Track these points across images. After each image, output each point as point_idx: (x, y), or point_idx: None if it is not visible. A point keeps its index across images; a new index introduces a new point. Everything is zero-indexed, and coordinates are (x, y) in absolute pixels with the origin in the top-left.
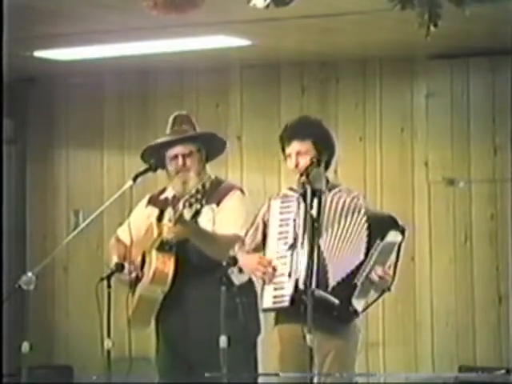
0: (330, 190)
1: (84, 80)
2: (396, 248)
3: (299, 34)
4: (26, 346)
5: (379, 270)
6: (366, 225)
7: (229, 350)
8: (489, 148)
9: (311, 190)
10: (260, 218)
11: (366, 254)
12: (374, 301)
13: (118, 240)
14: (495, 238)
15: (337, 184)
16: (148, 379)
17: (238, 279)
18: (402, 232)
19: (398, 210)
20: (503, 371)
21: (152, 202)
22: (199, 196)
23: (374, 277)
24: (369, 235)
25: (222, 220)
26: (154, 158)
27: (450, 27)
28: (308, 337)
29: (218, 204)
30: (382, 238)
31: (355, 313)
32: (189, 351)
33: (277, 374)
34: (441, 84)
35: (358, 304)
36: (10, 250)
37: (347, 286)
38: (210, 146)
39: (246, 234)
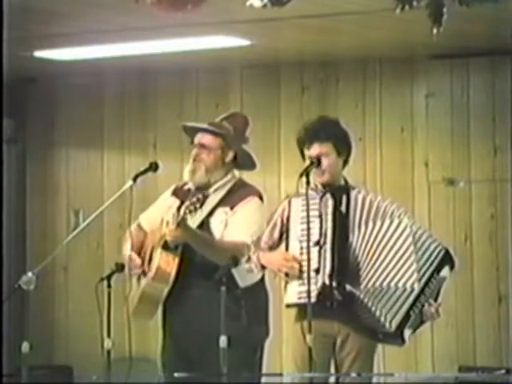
0: (352, 189)
1: (84, 80)
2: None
3: (299, 34)
4: (26, 346)
5: (434, 306)
6: (410, 239)
7: (230, 353)
8: (489, 148)
9: (337, 187)
10: (278, 215)
11: (418, 282)
12: (417, 329)
13: (140, 227)
14: (495, 238)
15: (355, 185)
16: (148, 379)
17: (243, 281)
18: (452, 268)
19: None
20: (503, 371)
21: (176, 192)
22: (198, 205)
23: (428, 311)
24: (417, 257)
25: (233, 225)
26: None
27: (449, 27)
28: (308, 337)
29: (231, 208)
30: (438, 272)
31: (403, 341)
32: (191, 350)
33: (280, 374)
34: (441, 84)
35: (407, 333)
36: (10, 250)
37: (384, 296)
38: (237, 150)
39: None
